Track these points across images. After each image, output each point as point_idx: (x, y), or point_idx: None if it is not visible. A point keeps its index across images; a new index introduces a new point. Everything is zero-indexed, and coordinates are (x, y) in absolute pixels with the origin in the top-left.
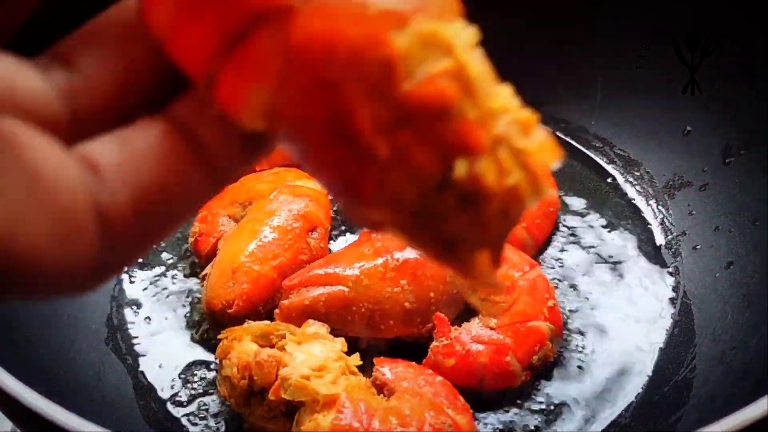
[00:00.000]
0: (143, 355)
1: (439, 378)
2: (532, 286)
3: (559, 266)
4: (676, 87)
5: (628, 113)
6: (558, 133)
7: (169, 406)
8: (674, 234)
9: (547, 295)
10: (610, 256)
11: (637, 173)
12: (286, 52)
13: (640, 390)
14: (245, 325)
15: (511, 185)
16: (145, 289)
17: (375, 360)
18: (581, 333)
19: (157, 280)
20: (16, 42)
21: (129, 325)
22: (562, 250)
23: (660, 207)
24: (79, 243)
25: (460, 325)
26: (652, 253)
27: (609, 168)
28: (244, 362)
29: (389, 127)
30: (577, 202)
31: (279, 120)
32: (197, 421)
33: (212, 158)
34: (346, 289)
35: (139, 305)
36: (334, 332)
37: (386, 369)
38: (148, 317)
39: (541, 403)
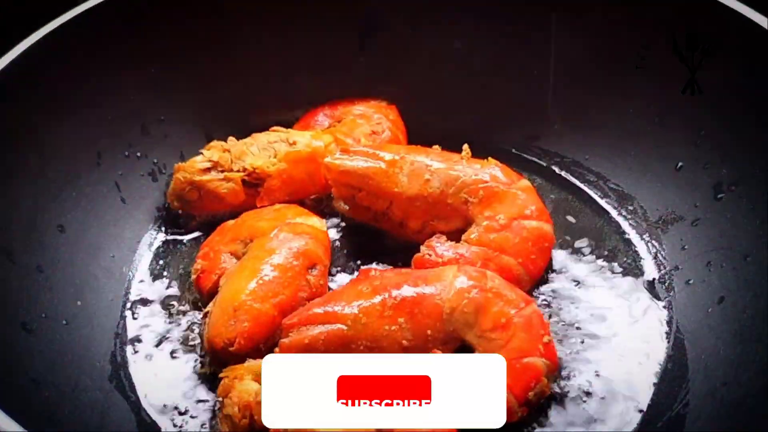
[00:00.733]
0: (146, 394)
1: None
2: (527, 322)
3: (554, 301)
4: (669, 122)
5: (621, 148)
6: (553, 167)
7: None
8: (667, 268)
9: (542, 331)
10: (604, 291)
11: (631, 207)
12: None
13: (634, 426)
14: (246, 363)
15: None
16: (148, 325)
17: None
18: (576, 368)
19: (159, 317)
20: None
21: (132, 363)
22: (557, 285)
23: (653, 241)
24: None
25: None
26: (646, 287)
27: (603, 202)
28: (245, 401)
29: None
30: (571, 237)
31: None
32: None
33: None
34: (345, 328)
35: (141, 342)
36: None
37: None
38: (151, 354)
39: None
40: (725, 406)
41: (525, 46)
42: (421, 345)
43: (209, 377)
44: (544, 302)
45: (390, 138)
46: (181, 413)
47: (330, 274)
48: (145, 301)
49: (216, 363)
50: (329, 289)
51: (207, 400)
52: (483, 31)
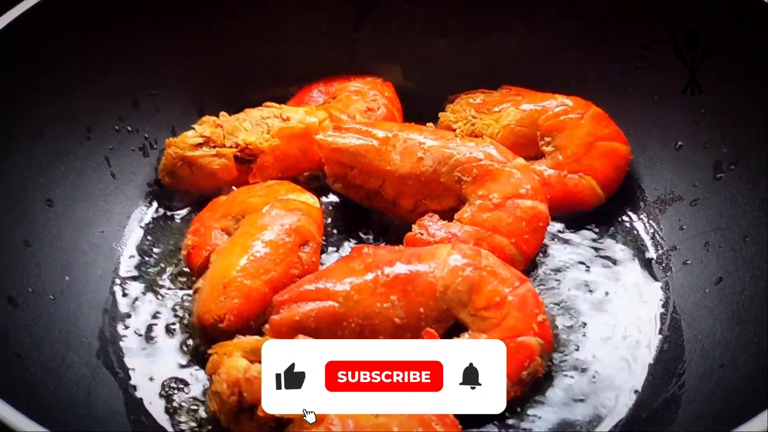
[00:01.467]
0: (134, 369)
1: None
2: (521, 301)
3: (549, 281)
4: (667, 102)
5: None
6: None
7: (160, 421)
8: (665, 249)
9: (536, 310)
10: (601, 270)
11: (629, 187)
12: None
13: (629, 407)
14: (235, 340)
15: None
16: (137, 301)
17: None
18: (571, 348)
19: (149, 293)
20: None
21: (121, 339)
22: (552, 265)
23: (651, 221)
24: None
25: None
26: (643, 267)
27: None
28: (234, 378)
29: None
30: (567, 216)
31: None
32: None
33: None
34: (337, 305)
35: (131, 318)
36: None
37: None
38: (140, 330)
39: (530, 419)
40: (721, 388)
41: (524, 26)
42: (413, 323)
43: (198, 354)
44: (540, 281)
45: (385, 115)
46: (169, 390)
47: (322, 251)
48: (134, 277)
49: (205, 339)
50: (321, 266)
51: (196, 377)
52: (481, 9)
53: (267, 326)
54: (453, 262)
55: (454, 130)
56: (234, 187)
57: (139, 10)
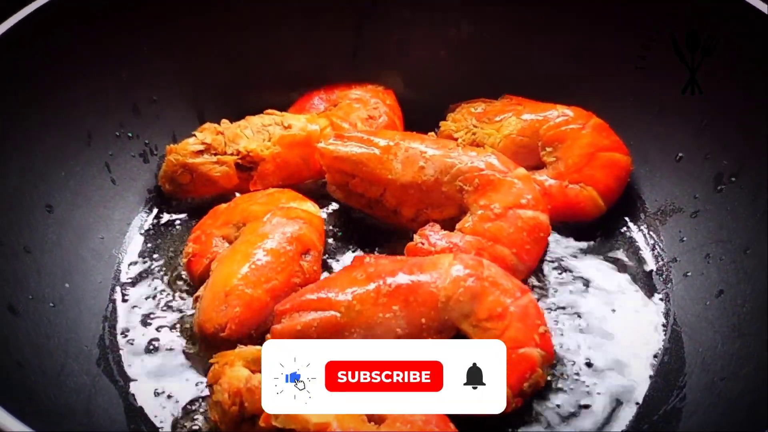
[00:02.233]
0: (134, 379)
1: None
2: (523, 312)
3: (550, 291)
4: (668, 113)
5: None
6: None
7: (160, 430)
8: (665, 260)
9: (538, 321)
10: (601, 282)
11: (630, 198)
12: None
13: (630, 419)
14: (237, 349)
15: None
16: (138, 309)
17: None
18: (571, 359)
19: (149, 300)
20: None
21: (121, 346)
22: (553, 276)
23: (651, 233)
24: None
25: None
26: (643, 279)
27: None
28: (235, 388)
29: None
30: (568, 227)
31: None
32: None
33: None
34: (339, 315)
35: (131, 326)
36: None
37: None
38: (140, 338)
39: (531, 430)
40: (723, 401)
41: (525, 34)
42: (415, 333)
43: (199, 363)
44: (541, 292)
45: (386, 123)
46: (169, 399)
47: (324, 260)
48: (134, 285)
49: (206, 348)
50: (323, 274)
51: (196, 386)
52: (483, 18)
53: (268, 335)
54: (455, 273)
55: (456, 139)
56: (237, 194)
57: (139, 16)
